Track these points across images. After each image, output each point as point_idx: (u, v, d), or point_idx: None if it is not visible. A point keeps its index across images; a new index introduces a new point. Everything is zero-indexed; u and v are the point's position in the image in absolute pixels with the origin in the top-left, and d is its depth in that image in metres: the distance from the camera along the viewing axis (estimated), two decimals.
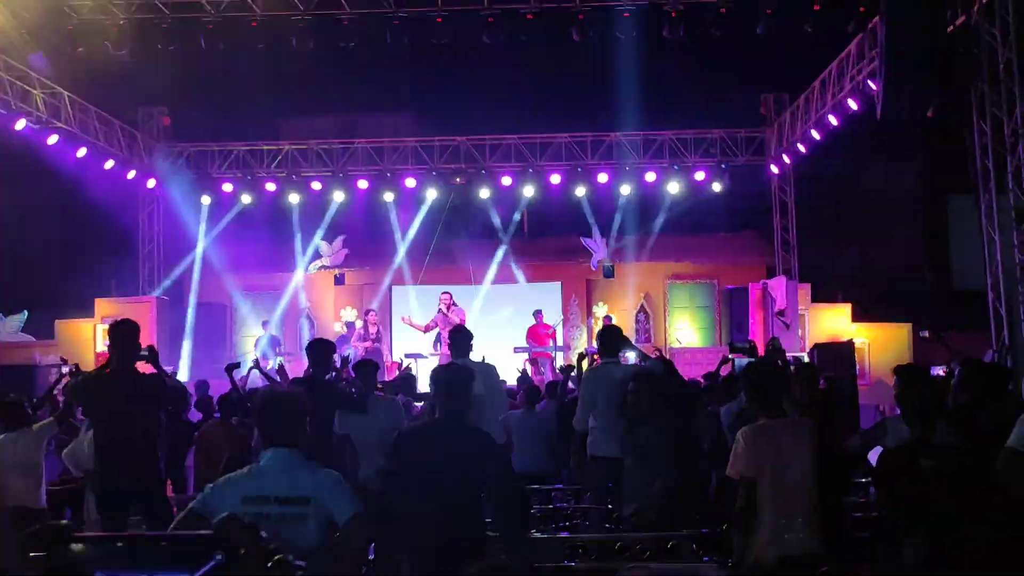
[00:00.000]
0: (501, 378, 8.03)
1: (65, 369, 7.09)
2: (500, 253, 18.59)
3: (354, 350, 14.53)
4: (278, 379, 8.87)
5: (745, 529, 4.48)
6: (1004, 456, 4.58)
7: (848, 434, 6.16)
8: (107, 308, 16.64)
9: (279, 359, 14.19)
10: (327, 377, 6.89)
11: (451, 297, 15.04)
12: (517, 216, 18.68)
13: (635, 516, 5.61)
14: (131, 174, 17.02)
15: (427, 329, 15.13)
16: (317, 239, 18.82)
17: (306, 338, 16.98)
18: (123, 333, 5.83)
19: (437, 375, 4.71)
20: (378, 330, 15.58)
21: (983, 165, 11.11)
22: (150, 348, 6.11)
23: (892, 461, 4.73)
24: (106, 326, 16.28)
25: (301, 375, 7.58)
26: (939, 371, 8.27)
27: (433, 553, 4.30)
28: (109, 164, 16.09)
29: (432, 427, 4.65)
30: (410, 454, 4.50)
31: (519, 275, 18.62)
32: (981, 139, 11.06)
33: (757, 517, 4.43)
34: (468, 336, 7.23)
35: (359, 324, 16.90)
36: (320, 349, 7.04)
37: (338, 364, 7.55)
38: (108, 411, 5.72)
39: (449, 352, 7.21)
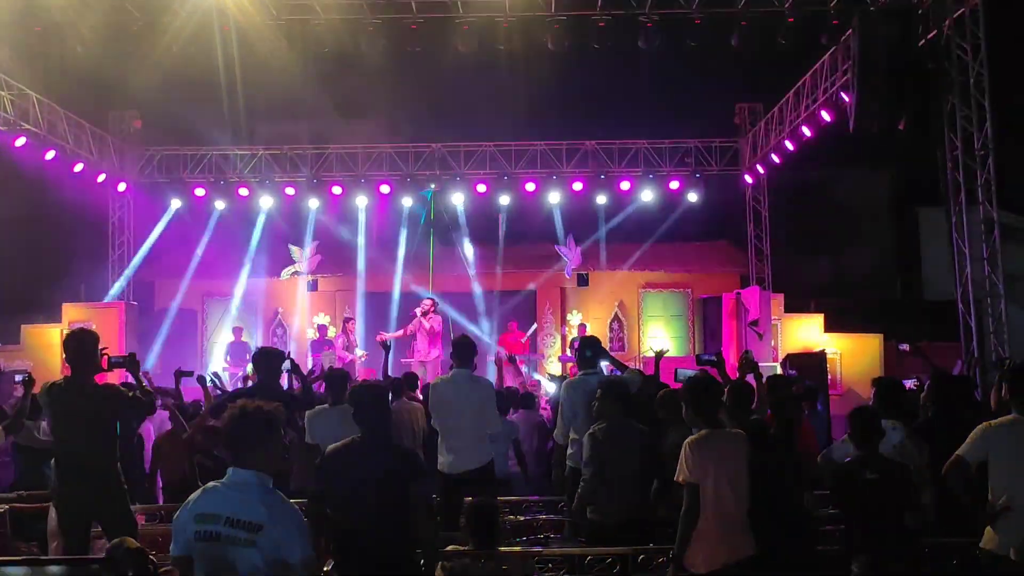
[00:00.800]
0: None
1: (18, 378, 6.97)
2: (473, 260, 18.53)
3: (334, 356, 14.52)
4: (228, 390, 8.83)
5: (687, 533, 4.74)
6: (950, 463, 4.71)
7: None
8: (75, 313, 16.42)
9: (249, 367, 14.06)
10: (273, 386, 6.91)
11: (433, 304, 15.08)
12: (494, 222, 18.62)
13: (593, 525, 5.64)
14: (101, 177, 16.81)
15: (405, 333, 15.17)
16: (291, 245, 18.69)
17: (280, 345, 16.89)
18: (78, 343, 5.70)
19: (357, 394, 4.69)
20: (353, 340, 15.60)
21: (954, 178, 11.23)
22: (131, 356, 6.03)
23: (840, 475, 4.95)
24: None
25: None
26: (910, 383, 8.34)
27: (366, 571, 4.31)
28: (78, 167, 15.90)
29: (354, 447, 4.61)
30: (334, 476, 4.48)
31: (494, 281, 18.58)
32: (952, 152, 11.19)
33: (699, 523, 4.72)
34: (472, 347, 7.12)
35: (332, 332, 16.84)
36: (267, 357, 6.99)
37: (317, 372, 7.50)
38: (67, 424, 5.63)
39: (453, 362, 7.07)
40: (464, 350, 7.02)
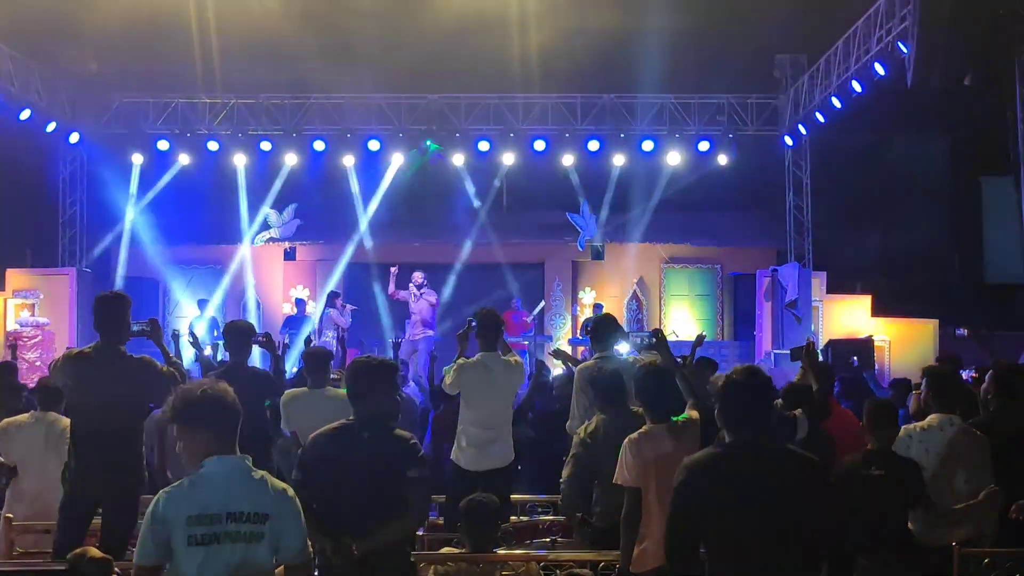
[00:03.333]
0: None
1: None
2: (474, 229, 18.49)
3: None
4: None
5: (630, 538, 4.89)
6: None
7: None
8: (20, 280, 16.44)
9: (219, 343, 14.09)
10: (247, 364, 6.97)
11: (424, 278, 15.23)
12: (496, 186, 18.56)
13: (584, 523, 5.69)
14: (51, 127, 16.73)
15: (392, 295, 15.32)
16: (265, 207, 18.66)
17: (253, 320, 16.88)
18: (110, 309, 5.73)
19: (354, 370, 4.67)
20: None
21: None
22: (152, 322, 6.00)
23: (841, 471, 5.18)
24: (18, 300, 16.34)
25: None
26: (968, 374, 8.33)
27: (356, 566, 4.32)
28: (25, 114, 15.81)
29: (343, 432, 4.58)
30: (319, 463, 4.47)
31: (496, 254, 18.55)
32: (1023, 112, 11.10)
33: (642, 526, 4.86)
34: (500, 324, 7.09)
35: (312, 307, 16.85)
36: (237, 333, 7.01)
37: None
38: (92, 396, 5.64)
39: (479, 342, 7.03)
40: (492, 329, 6.98)
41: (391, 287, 15.60)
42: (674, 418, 5.16)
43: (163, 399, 7.17)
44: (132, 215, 18.21)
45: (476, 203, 18.44)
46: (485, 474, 6.68)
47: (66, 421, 6.09)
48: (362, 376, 4.58)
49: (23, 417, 6.79)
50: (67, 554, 4.13)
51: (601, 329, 7.03)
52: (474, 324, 7.01)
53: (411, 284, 15.30)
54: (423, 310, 15.17)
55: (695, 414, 5.22)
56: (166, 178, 18.20)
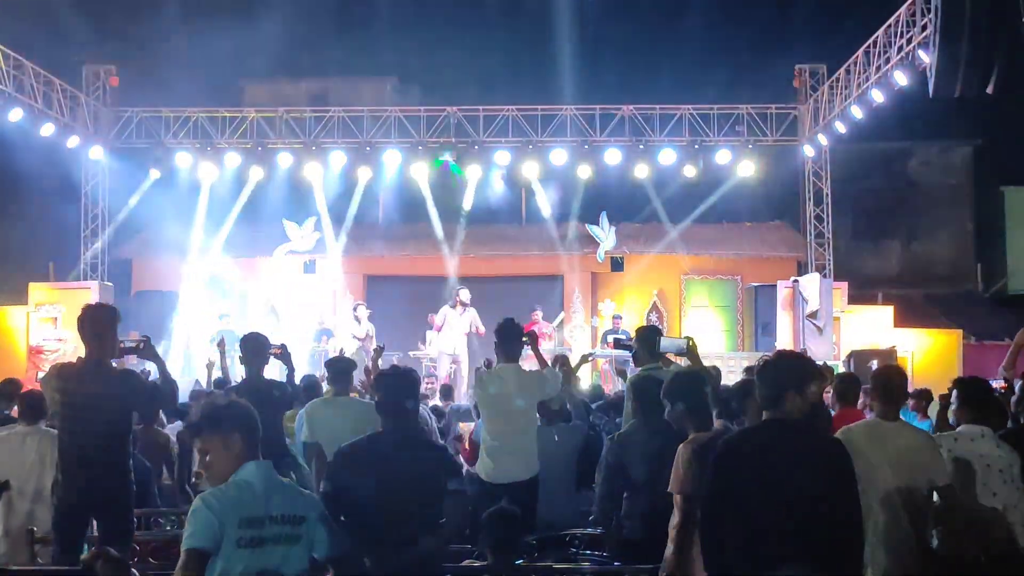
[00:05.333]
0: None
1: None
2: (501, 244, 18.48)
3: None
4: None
5: (683, 546, 4.75)
6: None
7: None
8: (43, 294, 16.52)
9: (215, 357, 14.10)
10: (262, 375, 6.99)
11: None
12: (516, 198, 18.55)
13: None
14: (73, 142, 16.83)
15: (438, 329, 15.33)
16: (285, 221, 18.67)
17: (271, 333, 16.87)
18: (92, 319, 5.73)
19: (383, 380, 4.65)
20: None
21: None
22: (146, 340, 6.02)
23: None
24: (41, 315, 16.41)
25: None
26: (998, 384, 8.23)
27: None
28: (48, 130, 15.91)
29: (377, 443, 4.55)
30: (353, 476, 4.42)
31: (516, 266, 18.54)
32: None
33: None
34: (520, 334, 6.99)
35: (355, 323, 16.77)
36: (253, 345, 7.01)
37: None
38: (78, 409, 5.63)
39: (497, 353, 6.99)
40: (512, 340, 6.92)
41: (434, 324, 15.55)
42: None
43: (146, 409, 7.20)
44: (153, 228, 18.19)
45: (546, 212, 18.34)
46: (507, 487, 6.62)
47: (51, 434, 6.10)
48: (391, 386, 4.56)
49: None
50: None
51: (647, 339, 6.93)
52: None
53: (456, 300, 15.28)
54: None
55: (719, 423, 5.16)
56: (195, 196, 18.17)
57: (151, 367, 6.25)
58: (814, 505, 3.81)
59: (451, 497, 4.45)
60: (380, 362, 8.61)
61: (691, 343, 5.83)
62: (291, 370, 7.46)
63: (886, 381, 5.29)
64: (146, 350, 5.93)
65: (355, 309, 16.16)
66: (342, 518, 4.20)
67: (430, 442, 4.58)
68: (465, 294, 15.29)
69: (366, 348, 14.59)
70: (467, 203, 18.04)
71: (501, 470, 6.74)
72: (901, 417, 5.27)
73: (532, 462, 6.81)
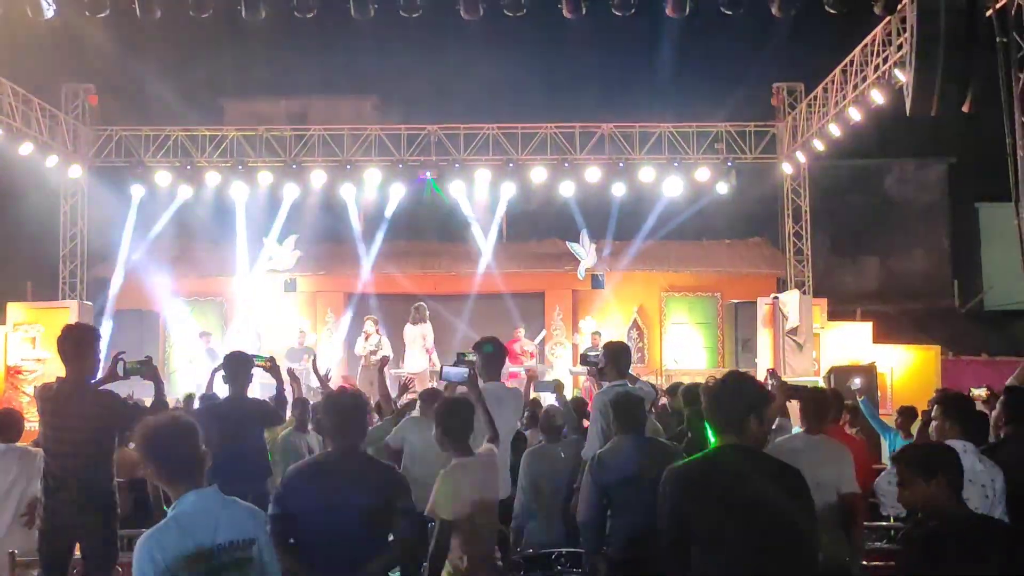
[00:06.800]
0: None
1: None
2: (481, 261, 18.42)
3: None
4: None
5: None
6: None
7: None
8: (21, 314, 16.36)
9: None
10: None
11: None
12: (496, 216, 18.53)
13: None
14: (52, 161, 16.74)
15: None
16: (266, 239, 18.61)
17: (253, 351, 16.76)
18: (72, 339, 5.72)
19: (334, 403, 4.64)
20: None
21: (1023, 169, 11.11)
22: (148, 360, 6.04)
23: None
24: (20, 335, 16.26)
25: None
26: (979, 394, 8.28)
27: None
28: (27, 149, 15.82)
29: (323, 464, 4.54)
30: (299, 498, 4.38)
31: (497, 283, 18.49)
32: (1022, 139, 11.08)
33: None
34: (503, 352, 6.94)
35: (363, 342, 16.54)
36: (236, 363, 7.02)
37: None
38: (60, 429, 5.61)
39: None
40: (496, 358, 6.78)
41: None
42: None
43: (130, 428, 7.14)
44: (131, 247, 18.10)
45: (493, 233, 18.37)
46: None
47: (30, 452, 6.08)
48: (336, 408, 4.56)
49: None
50: None
51: (621, 356, 6.90)
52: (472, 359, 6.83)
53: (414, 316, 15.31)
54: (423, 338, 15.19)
55: None
56: (167, 210, 18.11)
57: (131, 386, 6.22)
58: (783, 534, 3.76)
59: (402, 516, 4.40)
60: (387, 371, 8.59)
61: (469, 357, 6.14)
62: (280, 384, 7.44)
63: (816, 401, 5.98)
64: (148, 371, 5.95)
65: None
66: (290, 541, 4.19)
67: (378, 461, 4.55)
68: (422, 309, 15.38)
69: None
70: (446, 221, 18.04)
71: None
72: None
73: (508, 483, 6.71)
